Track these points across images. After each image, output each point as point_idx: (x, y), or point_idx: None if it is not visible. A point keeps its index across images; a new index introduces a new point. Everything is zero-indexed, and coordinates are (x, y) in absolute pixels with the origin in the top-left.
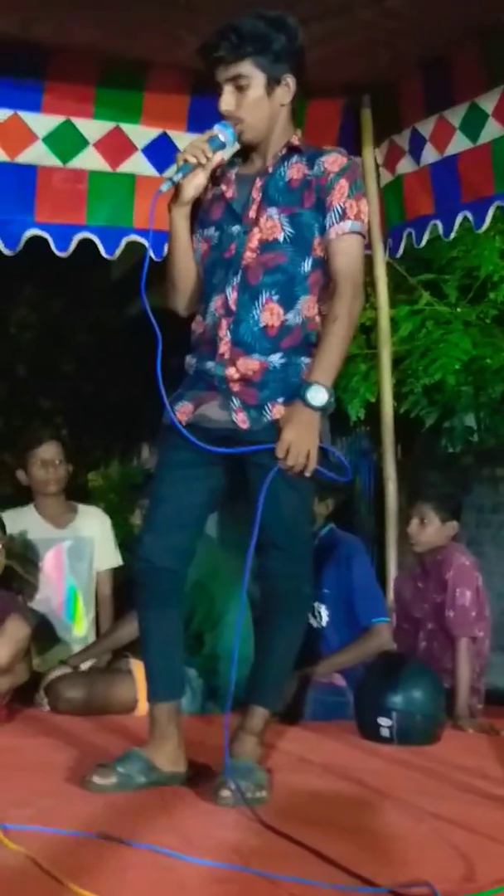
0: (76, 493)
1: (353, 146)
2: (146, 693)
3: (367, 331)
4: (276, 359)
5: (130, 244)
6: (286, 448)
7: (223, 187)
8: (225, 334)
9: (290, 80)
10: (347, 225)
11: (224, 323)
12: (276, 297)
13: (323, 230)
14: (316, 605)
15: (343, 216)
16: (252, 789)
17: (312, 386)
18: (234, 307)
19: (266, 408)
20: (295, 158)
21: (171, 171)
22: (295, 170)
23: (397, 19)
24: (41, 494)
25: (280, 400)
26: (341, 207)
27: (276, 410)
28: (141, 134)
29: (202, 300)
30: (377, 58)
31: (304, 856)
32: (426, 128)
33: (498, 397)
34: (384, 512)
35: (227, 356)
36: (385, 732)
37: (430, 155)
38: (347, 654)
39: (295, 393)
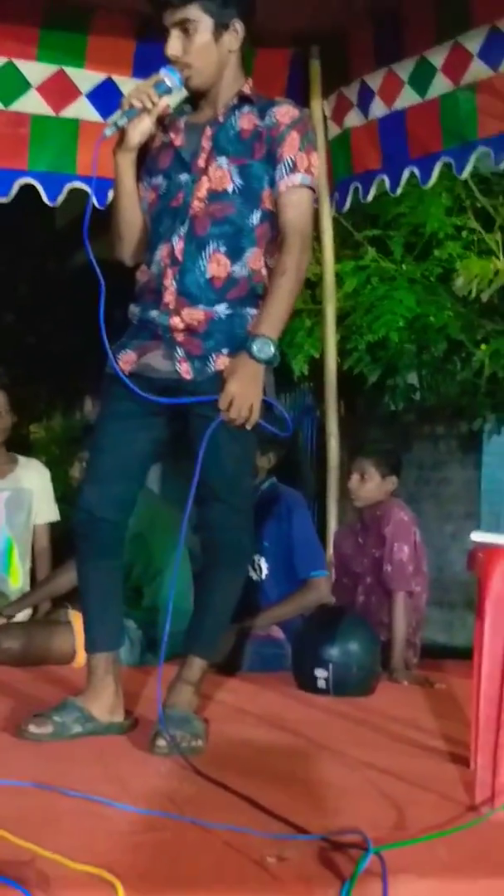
0: (18, 444)
1: (300, 97)
2: (84, 643)
3: (311, 286)
4: (221, 309)
5: (74, 191)
6: (229, 400)
7: (172, 135)
8: (170, 283)
9: (238, 26)
10: (297, 178)
11: (170, 272)
12: (223, 249)
13: (272, 182)
14: (256, 557)
15: (293, 169)
16: (188, 738)
17: (258, 339)
18: (180, 257)
19: (210, 358)
20: (246, 108)
21: (115, 116)
22: (246, 120)
23: None
24: None
25: (225, 351)
26: (292, 160)
27: (221, 361)
28: (85, 78)
29: (148, 249)
30: (327, 8)
31: (237, 804)
32: (375, 81)
33: (440, 356)
34: (326, 467)
35: (171, 306)
36: (321, 684)
37: (378, 109)
38: (286, 606)
39: (240, 345)
